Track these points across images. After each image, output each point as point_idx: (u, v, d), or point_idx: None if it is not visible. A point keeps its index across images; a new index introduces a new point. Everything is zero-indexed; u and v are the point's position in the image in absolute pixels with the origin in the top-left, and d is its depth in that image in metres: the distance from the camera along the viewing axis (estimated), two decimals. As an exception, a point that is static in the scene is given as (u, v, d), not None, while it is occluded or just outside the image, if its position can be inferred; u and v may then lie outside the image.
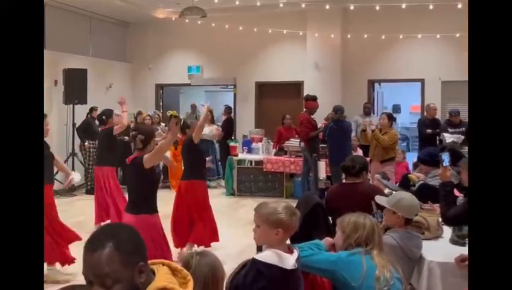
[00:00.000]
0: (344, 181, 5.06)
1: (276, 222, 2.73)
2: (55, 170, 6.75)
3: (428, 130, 10.13)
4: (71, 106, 10.60)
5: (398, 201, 3.73)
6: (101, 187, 7.70)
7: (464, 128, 9.56)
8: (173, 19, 12.87)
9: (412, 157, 10.56)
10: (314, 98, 9.68)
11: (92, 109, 10.97)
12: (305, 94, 11.77)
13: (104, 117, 8.05)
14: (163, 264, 1.92)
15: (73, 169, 10.59)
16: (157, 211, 4.79)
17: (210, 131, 11.69)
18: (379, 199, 3.96)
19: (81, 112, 10.96)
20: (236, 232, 7.83)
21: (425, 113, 10.84)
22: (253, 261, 2.71)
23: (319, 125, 9.97)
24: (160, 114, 11.77)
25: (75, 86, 10.66)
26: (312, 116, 9.75)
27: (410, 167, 9.67)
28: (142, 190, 4.65)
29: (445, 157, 3.83)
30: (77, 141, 10.88)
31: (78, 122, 10.81)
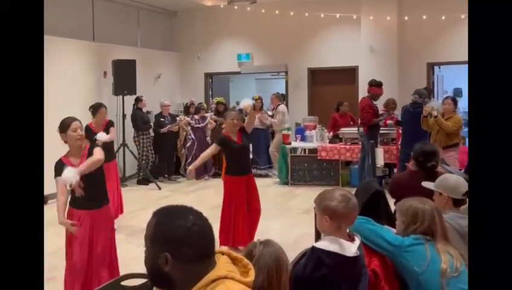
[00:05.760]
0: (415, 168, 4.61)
1: (323, 208, 2.69)
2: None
3: None
4: (121, 96, 10.49)
5: (442, 181, 3.68)
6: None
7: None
8: (221, 6, 12.59)
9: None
10: (378, 84, 9.29)
11: (137, 99, 10.86)
12: (360, 79, 11.40)
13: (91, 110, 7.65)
14: (223, 254, 1.91)
15: (124, 160, 10.55)
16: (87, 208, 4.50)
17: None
18: (426, 184, 3.77)
19: (131, 103, 10.86)
20: (291, 222, 7.53)
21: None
22: (313, 249, 2.64)
23: (380, 112, 9.48)
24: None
25: (124, 77, 10.58)
26: (375, 103, 9.29)
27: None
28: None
29: None
30: (127, 131, 10.77)
31: (128, 113, 10.73)
